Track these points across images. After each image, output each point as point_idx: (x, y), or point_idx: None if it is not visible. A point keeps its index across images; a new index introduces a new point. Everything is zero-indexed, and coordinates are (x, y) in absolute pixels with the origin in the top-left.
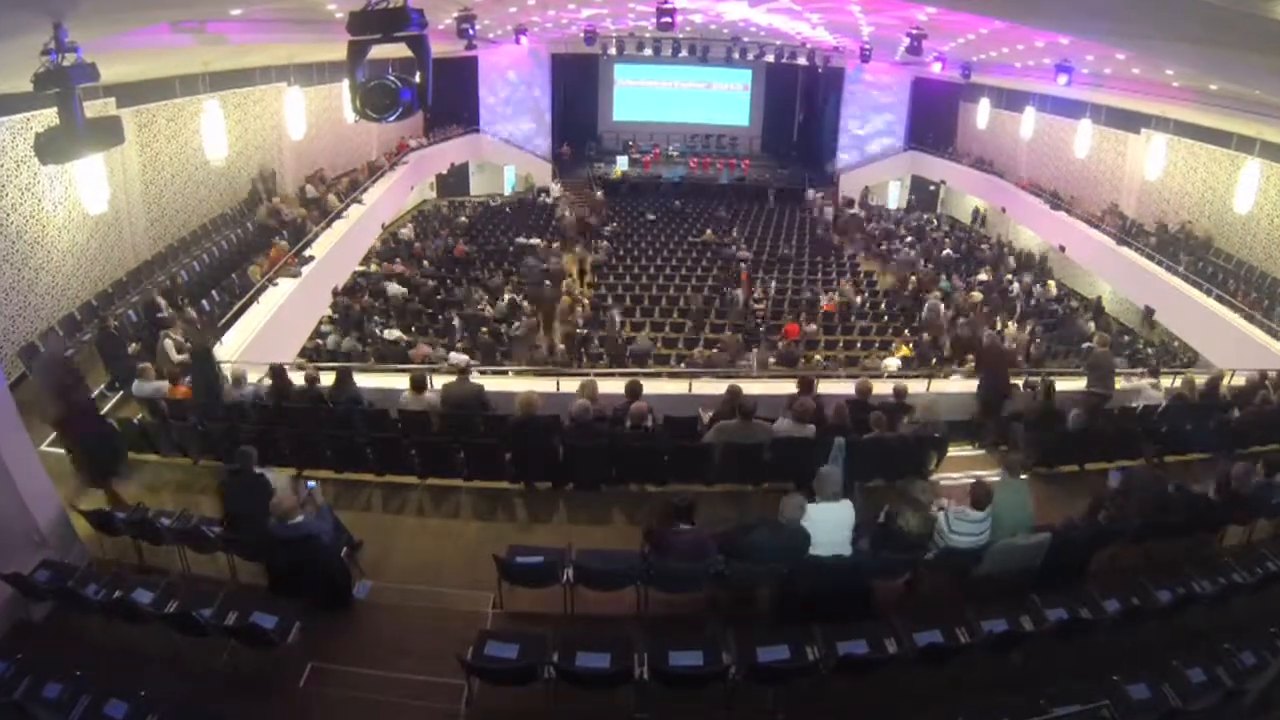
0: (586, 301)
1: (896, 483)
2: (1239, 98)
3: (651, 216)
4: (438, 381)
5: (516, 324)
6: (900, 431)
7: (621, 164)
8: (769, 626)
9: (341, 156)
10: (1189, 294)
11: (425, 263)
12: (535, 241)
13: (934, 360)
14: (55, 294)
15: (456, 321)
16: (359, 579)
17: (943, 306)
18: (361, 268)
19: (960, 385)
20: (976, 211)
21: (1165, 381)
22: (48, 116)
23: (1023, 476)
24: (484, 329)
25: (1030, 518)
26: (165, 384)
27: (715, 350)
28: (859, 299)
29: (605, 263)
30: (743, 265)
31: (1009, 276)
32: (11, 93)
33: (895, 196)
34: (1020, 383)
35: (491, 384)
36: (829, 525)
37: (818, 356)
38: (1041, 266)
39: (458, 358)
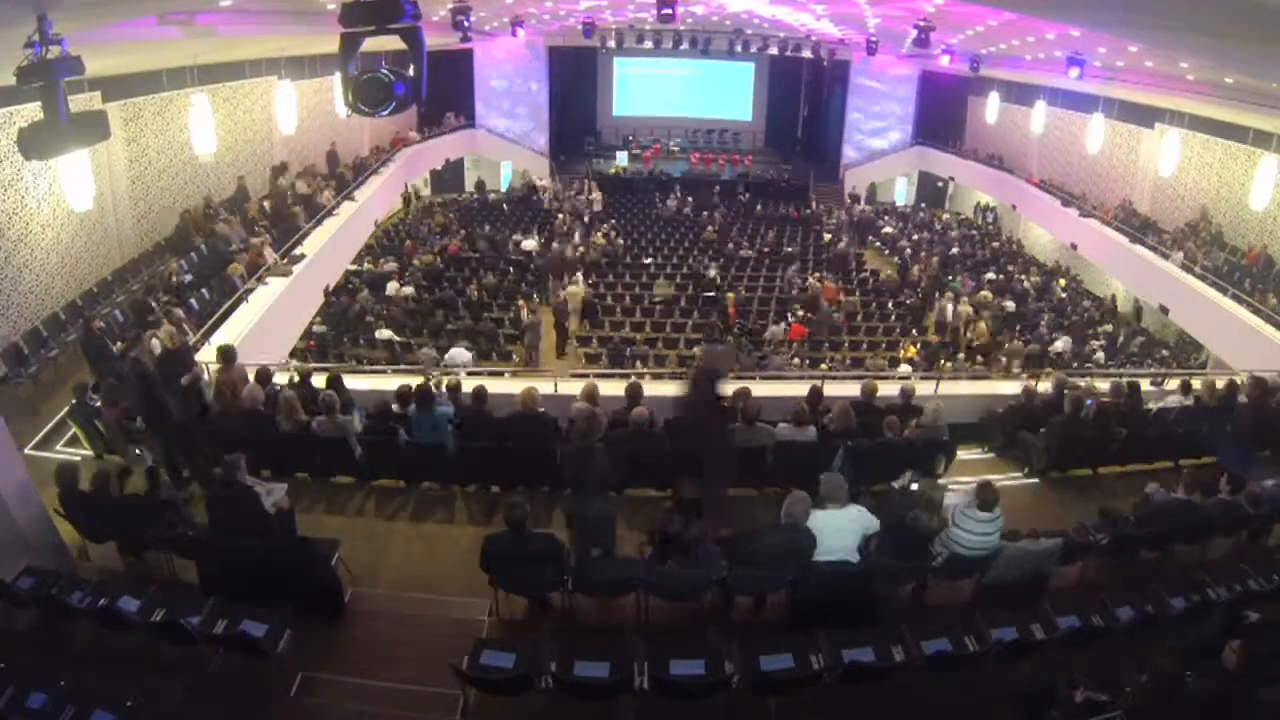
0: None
1: (910, 483)
2: (1256, 91)
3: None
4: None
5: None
6: (907, 435)
7: (621, 160)
8: (774, 634)
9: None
10: (1203, 292)
11: (417, 261)
12: (531, 245)
13: (943, 361)
14: (39, 293)
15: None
16: (351, 587)
17: (951, 307)
18: (354, 266)
19: (970, 387)
20: (978, 206)
21: (1174, 383)
22: (32, 111)
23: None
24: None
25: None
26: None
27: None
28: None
29: (602, 260)
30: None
31: (1019, 276)
32: None
33: (902, 193)
34: (1027, 385)
35: (491, 386)
36: (835, 532)
37: (823, 363)
38: (1051, 278)
39: (459, 355)
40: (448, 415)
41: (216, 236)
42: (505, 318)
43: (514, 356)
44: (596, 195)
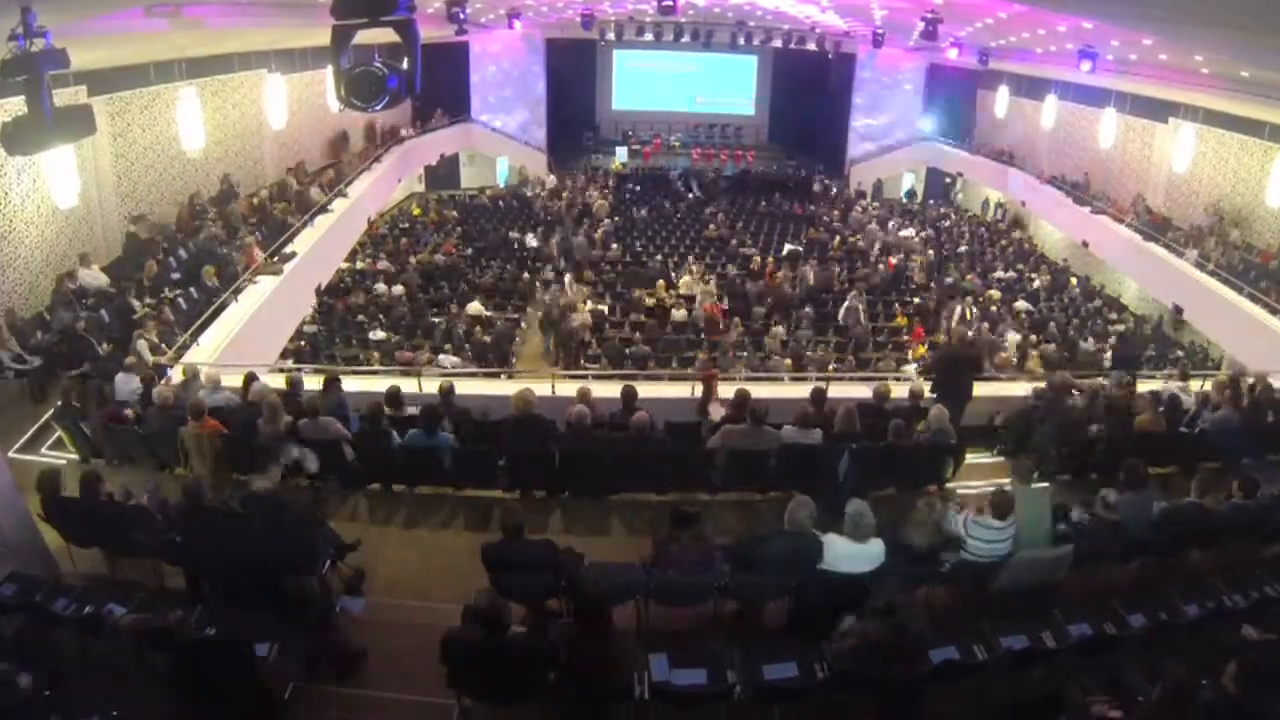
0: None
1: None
2: (1272, 85)
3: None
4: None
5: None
6: (914, 438)
7: (620, 155)
8: (777, 641)
9: (325, 147)
10: (1218, 291)
11: (414, 259)
12: (534, 242)
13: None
14: (23, 291)
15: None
16: (343, 594)
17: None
18: (347, 264)
19: (978, 389)
20: (986, 203)
21: (1193, 385)
22: (15, 105)
23: (1043, 485)
24: (478, 328)
25: (1049, 531)
26: (140, 384)
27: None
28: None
29: (601, 258)
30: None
31: (1030, 275)
32: None
33: (908, 189)
34: (1038, 387)
35: (485, 387)
36: (853, 560)
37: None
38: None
39: (447, 360)
40: (448, 440)
41: (200, 240)
42: (501, 318)
43: (513, 359)
44: (601, 203)
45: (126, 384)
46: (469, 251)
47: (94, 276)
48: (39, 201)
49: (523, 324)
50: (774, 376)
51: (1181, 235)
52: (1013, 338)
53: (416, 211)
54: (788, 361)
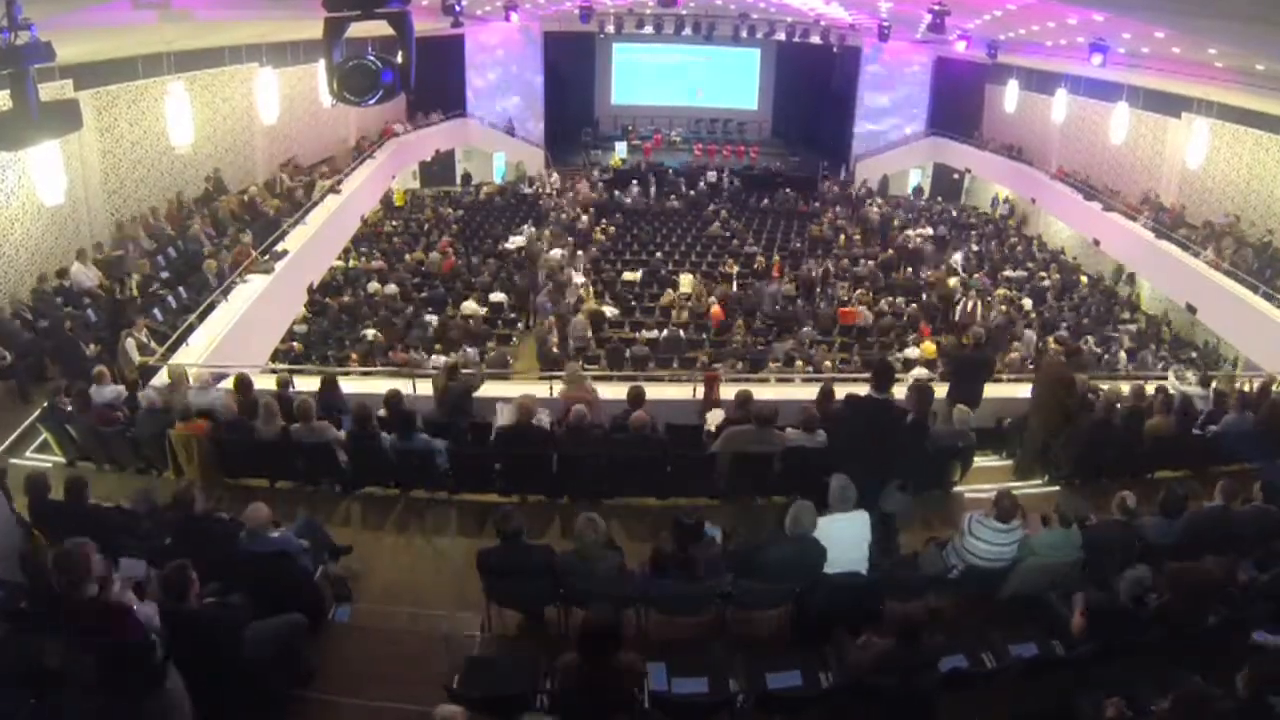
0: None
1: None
2: None
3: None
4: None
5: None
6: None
7: (620, 151)
8: (780, 649)
9: (317, 143)
10: (1234, 291)
11: (408, 257)
12: (519, 241)
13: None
14: (9, 290)
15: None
16: (337, 601)
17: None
18: (339, 263)
19: (985, 390)
20: (996, 199)
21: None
22: None
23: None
24: (470, 322)
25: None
26: (123, 389)
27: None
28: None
29: (602, 257)
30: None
31: (1041, 273)
32: None
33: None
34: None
35: (485, 390)
36: (843, 540)
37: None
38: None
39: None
40: (433, 446)
41: (188, 237)
42: (499, 319)
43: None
44: (587, 202)
45: (100, 395)
46: (459, 246)
47: (86, 274)
48: (24, 198)
49: (519, 324)
50: (782, 377)
51: (1196, 233)
52: (1029, 336)
53: (399, 201)
54: (800, 363)
